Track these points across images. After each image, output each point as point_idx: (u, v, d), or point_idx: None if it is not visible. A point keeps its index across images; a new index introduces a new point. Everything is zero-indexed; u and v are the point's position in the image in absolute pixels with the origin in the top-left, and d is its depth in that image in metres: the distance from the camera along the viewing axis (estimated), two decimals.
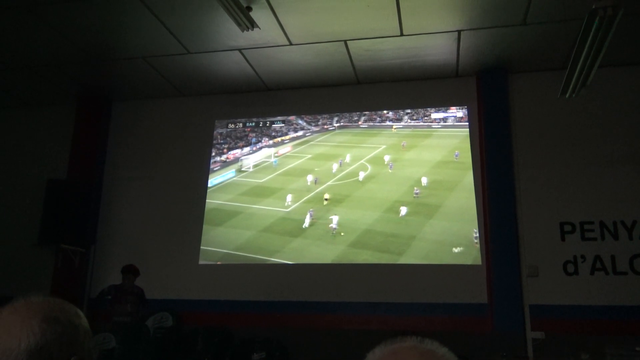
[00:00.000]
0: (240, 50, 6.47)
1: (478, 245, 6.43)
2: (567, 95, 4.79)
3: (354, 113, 7.63)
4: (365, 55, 6.54)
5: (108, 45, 6.47)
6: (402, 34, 6.02)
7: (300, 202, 7.30)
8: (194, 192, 7.45)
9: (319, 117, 7.73)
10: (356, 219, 7.00)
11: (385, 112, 7.56)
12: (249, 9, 5.32)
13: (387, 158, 7.42)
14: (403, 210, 6.87)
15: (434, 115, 7.29)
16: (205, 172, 7.56)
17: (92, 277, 7.29)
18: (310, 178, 7.52)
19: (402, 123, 7.49)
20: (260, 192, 7.56)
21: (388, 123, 7.55)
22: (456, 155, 7.13)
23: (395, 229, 6.86)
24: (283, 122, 7.76)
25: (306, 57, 6.61)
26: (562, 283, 6.05)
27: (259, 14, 5.46)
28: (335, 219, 6.97)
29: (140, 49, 6.54)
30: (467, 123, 6.98)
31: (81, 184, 7.35)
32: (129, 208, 7.55)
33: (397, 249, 6.67)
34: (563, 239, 6.19)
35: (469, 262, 6.40)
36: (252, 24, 5.24)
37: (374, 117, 7.64)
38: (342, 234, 6.88)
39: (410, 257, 6.58)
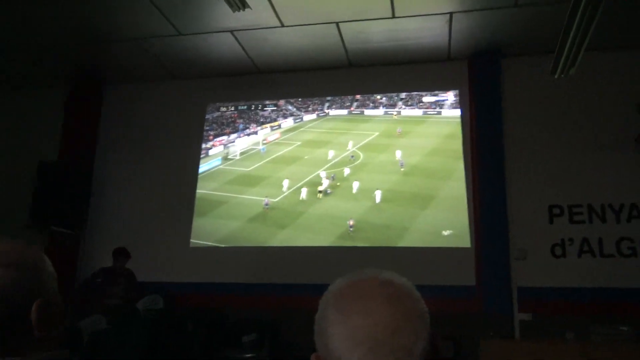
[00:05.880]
0: (232, 31, 6.44)
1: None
2: (557, 75, 4.81)
3: (345, 98, 7.61)
4: (357, 37, 6.53)
5: (99, 27, 6.41)
6: (394, 16, 6.01)
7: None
8: (185, 176, 7.43)
9: (309, 102, 7.69)
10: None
11: (378, 97, 7.54)
12: None
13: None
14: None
15: (426, 100, 7.29)
16: (197, 156, 7.54)
17: (83, 260, 7.29)
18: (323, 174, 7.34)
19: (395, 109, 7.47)
20: (248, 181, 7.49)
21: (381, 109, 7.52)
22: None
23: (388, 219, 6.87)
24: (275, 105, 7.74)
25: (298, 39, 6.59)
26: (550, 265, 6.10)
27: None
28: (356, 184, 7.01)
29: (131, 31, 6.49)
30: (459, 108, 6.99)
31: (72, 166, 7.31)
32: (120, 191, 7.53)
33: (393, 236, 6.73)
34: (551, 222, 6.23)
35: (458, 245, 6.44)
36: (244, 4, 5.20)
37: (367, 103, 7.62)
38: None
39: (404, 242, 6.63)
